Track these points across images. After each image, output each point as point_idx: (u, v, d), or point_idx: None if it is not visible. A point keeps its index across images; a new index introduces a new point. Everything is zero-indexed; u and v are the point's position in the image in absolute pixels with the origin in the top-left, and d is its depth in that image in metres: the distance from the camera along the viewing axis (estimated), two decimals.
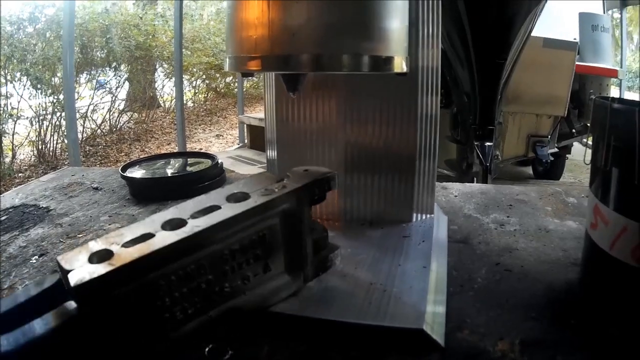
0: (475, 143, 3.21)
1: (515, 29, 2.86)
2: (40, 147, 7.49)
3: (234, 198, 0.66)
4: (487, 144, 3.17)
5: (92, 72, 8.63)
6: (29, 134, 7.46)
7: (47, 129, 7.51)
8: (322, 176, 0.72)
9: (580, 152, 6.27)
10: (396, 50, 0.73)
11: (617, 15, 11.21)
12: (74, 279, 0.50)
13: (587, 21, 5.84)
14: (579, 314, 0.75)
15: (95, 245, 0.55)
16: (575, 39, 5.11)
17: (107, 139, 8.78)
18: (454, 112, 3.83)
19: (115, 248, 0.55)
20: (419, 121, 0.97)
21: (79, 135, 7.04)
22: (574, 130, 5.70)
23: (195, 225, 0.60)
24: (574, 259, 0.93)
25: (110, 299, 0.52)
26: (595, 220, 0.77)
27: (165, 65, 10.23)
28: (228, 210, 0.63)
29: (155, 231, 0.59)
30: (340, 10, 0.67)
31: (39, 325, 0.50)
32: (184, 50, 8.20)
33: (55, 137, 7.60)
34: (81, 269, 0.51)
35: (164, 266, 0.56)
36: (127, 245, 0.56)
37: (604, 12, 6.50)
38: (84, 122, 8.23)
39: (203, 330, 0.62)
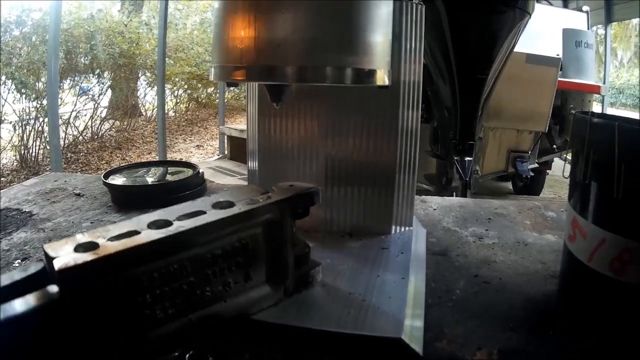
0: (455, 158, 3.21)
1: (498, 44, 2.87)
2: (22, 152, 7.45)
3: (219, 205, 0.67)
4: (467, 159, 3.17)
5: (76, 79, 8.59)
6: (11, 138, 7.42)
7: (30, 134, 7.47)
8: (306, 190, 0.74)
9: (560, 168, 6.28)
10: (379, 63, 0.74)
11: (601, 31, 11.28)
12: (58, 263, 0.51)
13: (571, 37, 5.86)
14: (557, 324, 0.76)
15: (82, 238, 0.56)
16: (558, 55, 5.13)
17: (89, 146, 8.74)
18: (434, 126, 3.83)
19: (101, 241, 0.56)
20: (400, 135, 0.98)
21: (61, 142, 7.00)
22: (554, 146, 5.71)
23: (180, 226, 0.61)
24: (553, 271, 0.94)
25: (92, 288, 0.53)
26: (574, 232, 0.77)
27: (148, 74, 10.19)
28: (213, 215, 0.64)
29: (141, 229, 0.59)
30: (324, 23, 0.68)
31: (19, 304, 0.50)
32: (167, 59, 8.19)
33: (38, 143, 7.57)
34: (66, 256, 0.52)
35: (147, 262, 0.57)
36: (112, 239, 0.57)
37: (588, 28, 6.52)
38: (66, 129, 8.19)
39: (182, 334, 0.62)
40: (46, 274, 0.53)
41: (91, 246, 0.54)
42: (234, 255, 0.67)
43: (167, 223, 0.61)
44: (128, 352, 0.57)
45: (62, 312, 0.51)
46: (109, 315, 0.55)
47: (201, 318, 0.64)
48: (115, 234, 0.58)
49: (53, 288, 0.52)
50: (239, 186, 0.81)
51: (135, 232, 0.59)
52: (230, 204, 0.68)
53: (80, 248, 0.54)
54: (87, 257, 0.53)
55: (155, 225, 0.61)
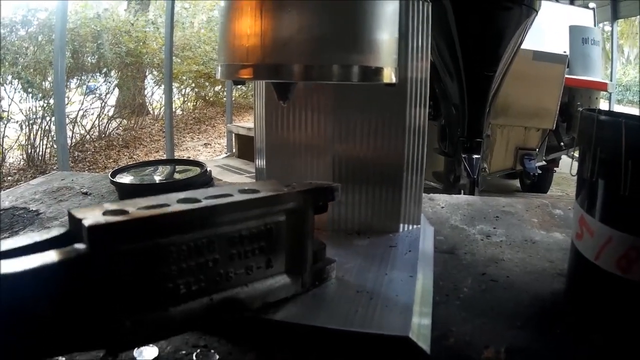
0: (463, 155, 3.21)
1: (505, 41, 2.86)
2: (29, 151, 7.46)
3: (245, 192, 0.68)
4: (475, 156, 3.17)
5: (83, 78, 8.60)
6: (18, 137, 7.44)
7: (36, 133, 7.49)
8: (327, 185, 0.75)
9: (568, 166, 6.25)
10: (386, 61, 0.74)
11: (608, 28, 11.26)
12: (88, 221, 0.50)
13: (578, 34, 5.86)
14: (564, 323, 0.76)
15: (110, 206, 0.56)
16: (565, 52, 5.13)
17: (96, 144, 8.75)
18: (442, 124, 3.83)
19: (130, 209, 0.55)
20: (407, 133, 0.98)
21: (68, 141, 7.00)
22: (562, 143, 5.70)
23: (209, 202, 0.61)
24: (560, 269, 0.94)
25: (121, 251, 0.52)
26: (581, 230, 0.77)
27: (155, 73, 10.20)
28: (240, 197, 0.65)
29: (170, 203, 0.59)
30: (330, 21, 0.68)
31: (45, 257, 0.48)
32: (174, 57, 8.19)
33: (45, 142, 7.58)
34: (96, 218, 0.52)
35: (177, 232, 0.58)
36: (142, 209, 0.57)
37: (595, 25, 6.51)
38: (74, 128, 8.20)
39: (203, 315, 0.62)
40: (69, 239, 0.52)
41: (121, 212, 0.54)
42: (259, 239, 0.67)
43: (196, 200, 0.61)
44: (148, 324, 0.57)
45: (88, 270, 0.50)
46: (133, 282, 0.55)
47: (223, 300, 0.64)
48: (144, 205, 0.58)
49: (80, 245, 0.50)
50: (262, 180, 0.82)
51: (165, 205, 0.59)
52: (255, 191, 0.68)
53: (109, 213, 0.54)
54: (118, 218, 0.52)
55: (184, 201, 0.61)
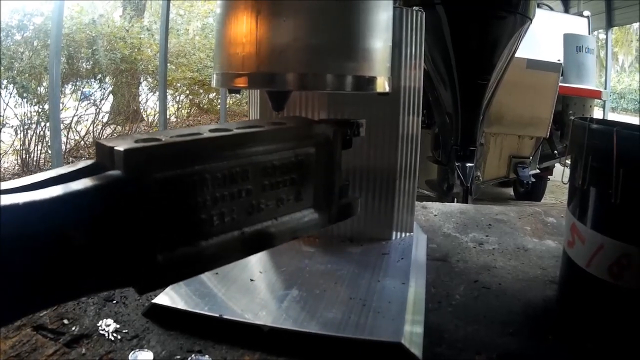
0: (456, 164, 3.21)
1: (499, 50, 2.86)
2: (24, 156, 7.43)
3: (275, 123, 0.67)
4: (468, 164, 3.17)
5: (78, 83, 8.57)
6: (13, 142, 7.42)
7: (31, 138, 7.45)
8: (353, 119, 0.74)
9: (561, 174, 6.23)
10: (379, 70, 0.75)
11: (602, 36, 11.28)
12: (123, 146, 0.48)
13: (572, 42, 5.84)
14: (556, 329, 0.77)
15: (141, 136, 0.54)
16: (559, 60, 5.13)
17: (90, 150, 8.70)
18: (435, 132, 3.83)
19: (163, 138, 0.53)
20: (400, 141, 0.98)
21: (63, 146, 6.98)
22: (555, 152, 5.69)
23: (241, 130, 0.61)
24: (552, 276, 0.95)
25: (157, 178, 0.51)
26: (573, 238, 0.78)
27: (150, 79, 10.14)
28: (272, 127, 0.65)
29: (202, 132, 0.59)
30: (325, 31, 0.69)
31: (79, 184, 0.46)
32: (168, 64, 8.18)
33: (40, 147, 7.55)
34: (130, 145, 0.49)
35: (211, 160, 0.57)
36: (175, 137, 0.55)
37: (589, 33, 6.50)
38: (68, 133, 8.17)
39: (234, 249, 0.61)
40: (97, 170, 0.49)
41: (153, 140, 0.52)
42: (290, 171, 0.67)
43: (228, 130, 0.61)
44: (180, 259, 0.55)
45: (122, 198, 0.48)
46: (168, 212, 0.53)
47: (254, 234, 0.63)
48: (176, 134, 0.57)
49: (114, 172, 0.48)
50: (289, 116, 0.81)
51: (198, 134, 0.58)
52: (284, 124, 0.68)
53: (141, 141, 0.51)
54: (153, 144, 0.51)
55: (216, 131, 0.60)
